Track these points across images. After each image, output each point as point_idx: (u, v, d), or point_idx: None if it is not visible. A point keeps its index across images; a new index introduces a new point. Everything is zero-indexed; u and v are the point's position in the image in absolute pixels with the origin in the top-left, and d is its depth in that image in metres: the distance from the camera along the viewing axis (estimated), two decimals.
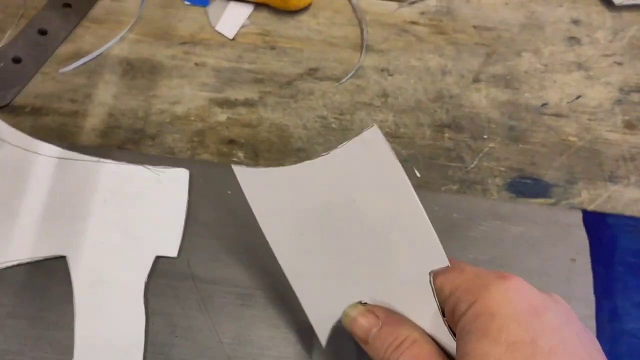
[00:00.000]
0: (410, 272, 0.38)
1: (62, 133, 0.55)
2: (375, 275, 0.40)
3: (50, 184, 0.51)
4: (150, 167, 0.52)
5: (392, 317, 0.38)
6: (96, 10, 0.63)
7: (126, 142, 0.55)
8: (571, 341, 0.31)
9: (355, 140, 0.38)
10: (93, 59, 0.60)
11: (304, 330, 0.46)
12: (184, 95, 0.58)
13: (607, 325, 0.48)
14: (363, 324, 0.38)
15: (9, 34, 0.60)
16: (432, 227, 0.36)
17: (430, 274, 0.37)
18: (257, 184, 0.43)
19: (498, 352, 0.30)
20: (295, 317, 0.47)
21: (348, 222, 0.40)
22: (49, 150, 0.52)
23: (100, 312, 0.46)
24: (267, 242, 0.45)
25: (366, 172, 0.39)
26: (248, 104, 0.58)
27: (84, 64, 0.60)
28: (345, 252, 0.41)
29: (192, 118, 0.57)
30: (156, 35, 0.62)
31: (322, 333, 0.43)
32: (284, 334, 0.46)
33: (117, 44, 0.61)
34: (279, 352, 0.46)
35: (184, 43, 0.61)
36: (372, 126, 0.37)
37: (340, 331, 0.41)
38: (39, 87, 0.58)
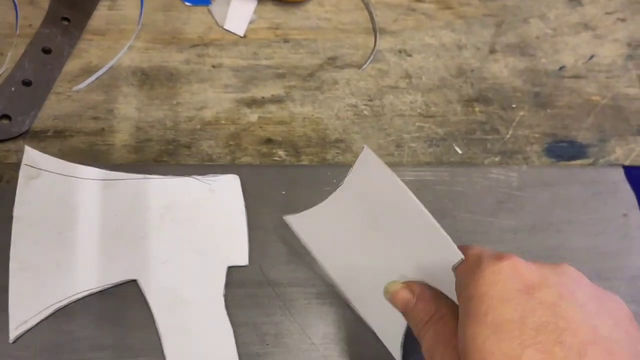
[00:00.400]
0: (435, 269, 0.38)
1: (93, 153, 0.53)
2: (412, 272, 0.41)
3: (99, 207, 0.49)
4: (199, 177, 0.51)
5: (425, 293, 0.38)
6: (95, 22, 0.60)
7: (161, 154, 0.53)
8: (568, 314, 0.30)
9: (357, 164, 0.42)
10: (105, 72, 0.57)
11: None
12: (208, 100, 0.57)
13: None
14: (400, 299, 0.39)
15: (10, 56, 0.57)
16: (437, 225, 0.37)
17: (453, 268, 0.36)
18: (306, 224, 0.47)
19: (484, 334, 0.30)
20: None
21: (379, 236, 0.42)
22: (90, 173, 0.50)
23: (187, 331, 0.45)
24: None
25: (375, 189, 0.41)
26: (276, 100, 0.57)
27: (97, 78, 0.57)
28: (385, 263, 0.42)
29: (223, 122, 0.55)
30: (164, 41, 0.60)
31: (395, 349, 0.44)
32: (371, 330, 0.46)
33: (126, 54, 0.59)
34: (372, 348, 0.46)
35: (194, 46, 0.60)
36: (363, 148, 0.41)
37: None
38: (55, 108, 0.55)
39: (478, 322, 0.31)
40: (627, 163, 0.55)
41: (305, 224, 0.47)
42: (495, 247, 0.48)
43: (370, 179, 0.41)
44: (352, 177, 0.43)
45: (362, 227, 0.43)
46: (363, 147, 0.40)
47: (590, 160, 0.56)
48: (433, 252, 0.38)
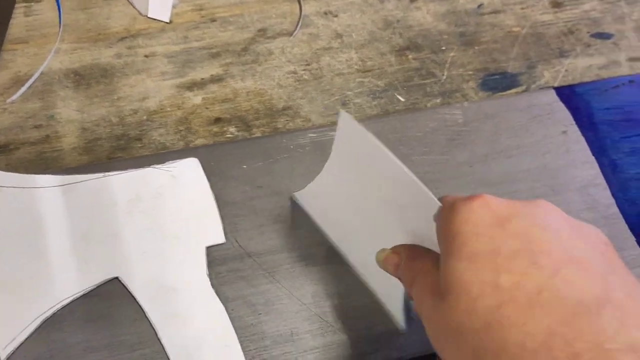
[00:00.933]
0: (422, 226, 0.38)
1: (43, 161, 0.52)
2: (401, 231, 0.41)
3: (64, 213, 0.48)
4: (158, 166, 0.51)
5: (411, 253, 0.39)
6: (14, 30, 0.59)
7: (114, 151, 0.53)
8: (541, 239, 0.31)
9: (338, 130, 0.42)
10: (37, 79, 0.56)
11: None
12: (149, 90, 0.56)
13: (613, 177, 0.54)
14: (390, 265, 0.40)
15: None
16: (415, 179, 0.37)
17: (434, 219, 0.37)
18: (309, 198, 0.49)
19: (462, 266, 0.31)
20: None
21: (370, 201, 0.43)
22: (48, 181, 0.49)
23: (179, 317, 0.45)
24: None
25: (358, 153, 0.41)
26: (216, 80, 0.57)
27: (30, 87, 0.56)
28: (379, 228, 0.43)
29: (168, 109, 0.55)
30: (90, 39, 0.59)
31: (398, 314, 0.45)
32: (357, 281, 0.48)
33: (54, 58, 0.57)
34: (362, 298, 0.47)
35: (123, 39, 0.59)
36: (339, 113, 0.40)
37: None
38: None
39: (455, 258, 0.32)
40: (556, 84, 0.59)
41: (308, 198, 0.49)
42: (455, 182, 0.51)
43: (352, 143, 0.41)
44: (337, 144, 0.43)
45: (355, 194, 0.44)
46: (339, 113, 0.40)
47: (523, 88, 0.59)
48: (418, 209, 0.38)
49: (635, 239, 0.51)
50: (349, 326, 0.46)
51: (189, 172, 0.51)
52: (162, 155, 0.52)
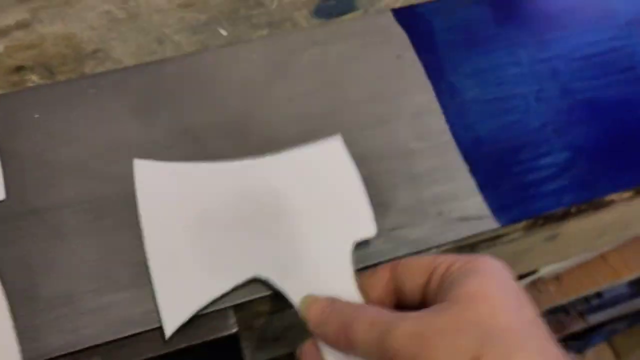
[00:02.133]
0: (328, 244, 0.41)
1: None
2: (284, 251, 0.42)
3: None
4: None
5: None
6: None
7: None
8: None
9: (314, 147, 0.45)
10: None
11: None
12: None
13: (451, 102, 0.49)
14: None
15: None
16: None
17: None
18: (156, 176, 0.44)
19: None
20: None
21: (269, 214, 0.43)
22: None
23: None
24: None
25: (316, 175, 0.44)
26: (22, 26, 0.52)
27: None
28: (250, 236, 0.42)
29: None
30: None
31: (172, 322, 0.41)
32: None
33: None
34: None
35: None
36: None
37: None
38: None
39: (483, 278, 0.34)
40: (397, 6, 0.54)
41: (157, 176, 0.45)
42: (274, 118, 0.46)
43: (318, 164, 0.45)
44: (293, 154, 0.45)
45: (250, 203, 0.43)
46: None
47: (360, 12, 0.53)
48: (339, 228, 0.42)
49: (468, 168, 0.47)
50: (134, 282, 0.42)
51: None
52: None
